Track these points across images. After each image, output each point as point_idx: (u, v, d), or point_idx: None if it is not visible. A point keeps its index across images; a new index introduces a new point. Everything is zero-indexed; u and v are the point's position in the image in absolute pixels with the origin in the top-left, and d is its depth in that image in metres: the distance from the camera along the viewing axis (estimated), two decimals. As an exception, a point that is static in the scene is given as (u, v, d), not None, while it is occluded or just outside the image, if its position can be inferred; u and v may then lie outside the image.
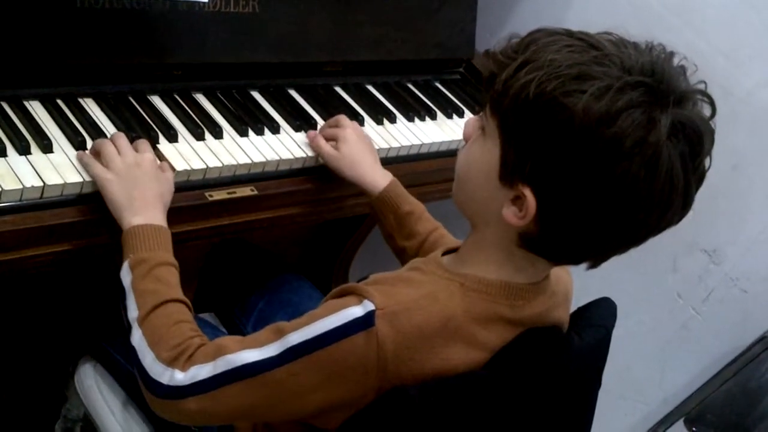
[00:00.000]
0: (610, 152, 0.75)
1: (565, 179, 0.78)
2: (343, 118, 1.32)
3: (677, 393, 1.81)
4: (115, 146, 1.06)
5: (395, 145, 1.43)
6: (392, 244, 1.25)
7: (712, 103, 0.81)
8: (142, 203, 1.01)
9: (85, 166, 1.06)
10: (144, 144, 1.10)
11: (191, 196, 1.14)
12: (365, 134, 1.33)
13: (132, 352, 0.93)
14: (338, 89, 1.51)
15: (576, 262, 0.88)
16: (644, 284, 1.79)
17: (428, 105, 1.59)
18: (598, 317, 0.98)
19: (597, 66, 0.77)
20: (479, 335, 0.86)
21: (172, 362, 0.89)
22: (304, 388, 0.84)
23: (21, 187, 1.00)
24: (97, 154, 1.07)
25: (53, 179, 1.03)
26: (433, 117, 1.57)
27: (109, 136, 1.13)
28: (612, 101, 0.75)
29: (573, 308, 1.01)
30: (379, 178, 1.25)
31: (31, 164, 1.04)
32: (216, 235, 1.20)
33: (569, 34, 0.81)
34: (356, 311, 0.82)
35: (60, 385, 1.32)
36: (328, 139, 1.29)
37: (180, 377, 0.88)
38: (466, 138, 0.91)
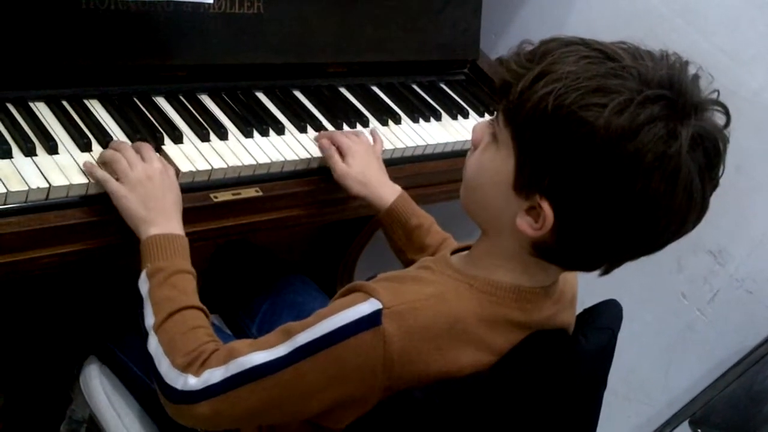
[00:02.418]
0: (631, 167, 0.75)
1: (585, 193, 0.77)
2: (351, 134, 1.32)
3: (682, 394, 1.80)
4: (125, 159, 1.06)
5: (400, 146, 1.43)
6: (402, 258, 1.25)
7: (727, 113, 0.81)
8: (157, 214, 1.02)
9: (98, 181, 1.06)
10: (150, 151, 1.09)
11: (196, 197, 1.14)
12: (374, 145, 1.33)
13: (149, 359, 0.94)
14: (343, 90, 1.51)
15: (590, 269, 0.88)
16: (649, 285, 1.79)
17: (433, 106, 1.59)
18: (604, 319, 0.98)
19: (615, 78, 0.76)
20: (486, 337, 0.86)
21: (186, 368, 0.90)
22: (313, 387, 0.85)
23: (26, 188, 1.00)
24: (104, 163, 1.07)
25: (58, 180, 1.03)
26: (438, 118, 1.57)
27: (114, 137, 1.14)
28: (633, 116, 0.74)
29: (579, 309, 1.01)
30: (387, 194, 1.24)
31: (36, 165, 1.04)
32: (221, 236, 1.20)
33: (585, 44, 0.81)
34: (363, 309, 0.82)
35: (65, 386, 1.33)
36: (336, 147, 1.29)
37: (193, 382, 0.89)
38: (476, 143, 0.90)
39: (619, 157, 0.75)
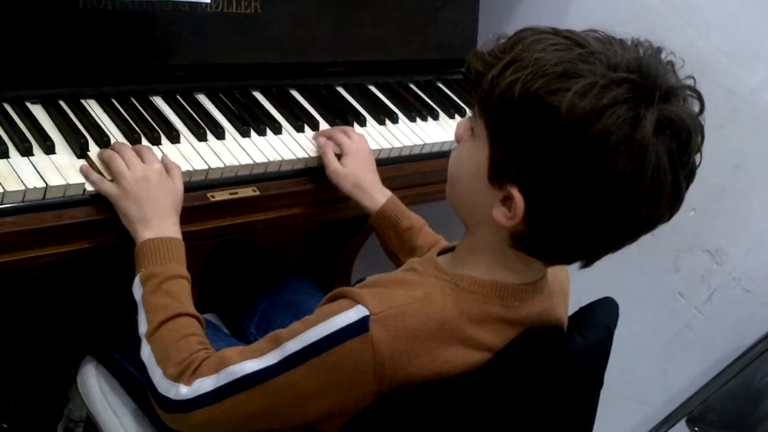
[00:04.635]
0: (596, 150, 0.75)
1: (552, 178, 0.77)
2: (351, 131, 1.33)
3: (680, 393, 1.81)
4: (123, 159, 1.06)
5: (397, 145, 1.43)
6: (395, 261, 1.25)
7: (700, 99, 0.81)
8: (153, 216, 1.02)
9: (92, 183, 1.06)
10: (149, 153, 1.10)
11: (193, 196, 1.14)
12: (368, 150, 1.33)
13: (142, 367, 0.95)
14: (340, 89, 1.51)
15: (568, 261, 0.88)
16: (646, 284, 1.79)
17: (430, 105, 1.59)
18: (601, 317, 0.98)
19: (582, 64, 0.76)
20: (476, 336, 0.86)
21: (178, 377, 0.91)
22: (304, 394, 0.85)
23: (23, 188, 1.00)
24: (103, 162, 1.08)
25: (55, 180, 1.03)
26: (435, 117, 1.57)
27: (111, 136, 1.14)
28: (597, 98, 0.74)
29: (575, 308, 1.01)
30: (378, 196, 1.25)
31: (33, 165, 1.04)
32: (218, 235, 1.20)
33: (555, 32, 0.81)
34: (350, 316, 0.82)
35: (62, 385, 1.33)
36: (334, 142, 1.29)
37: (185, 391, 0.89)
38: (458, 139, 0.91)
39: (583, 140, 0.75)
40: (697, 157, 0.80)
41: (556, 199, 0.78)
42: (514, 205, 0.80)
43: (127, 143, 1.13)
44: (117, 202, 1.04)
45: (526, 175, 0.79)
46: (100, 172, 1.07)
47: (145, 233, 1.01)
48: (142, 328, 0.96)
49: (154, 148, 1.16)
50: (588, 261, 0.87)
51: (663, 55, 0.81)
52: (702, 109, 0.80)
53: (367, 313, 0.82)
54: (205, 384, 0.88)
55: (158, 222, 1.02)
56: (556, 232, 0.81)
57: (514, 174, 0.79)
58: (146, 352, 0.94)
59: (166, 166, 1.10)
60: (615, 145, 0.74)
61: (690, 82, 0.81)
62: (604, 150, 0.75)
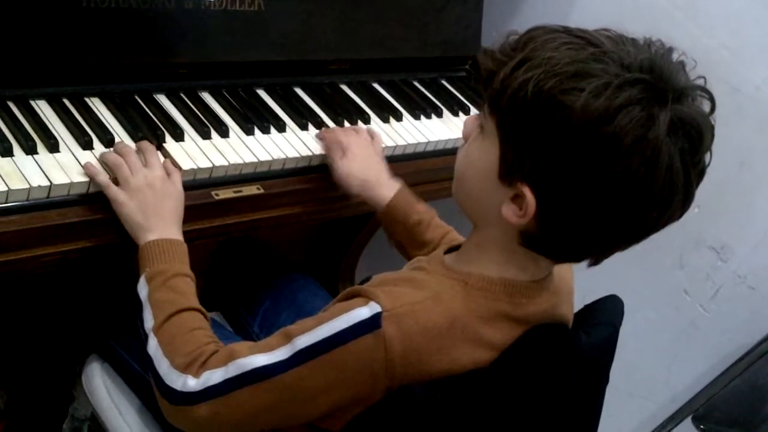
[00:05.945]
0: (610, 150, 0.75)
1: (565, 178, 0.77)
2: (357, 129, 1.32)
3: (685, 390, 1.80)
4: (127, 164, 1.06)
5: (401, 143, 1.43)
6: (404, 253, 1.25)
7: (711, 99, 0.81)
8: (156, 221, 1.03)
9: (98, 185, 1.05)
10: (153, 156, 1.09)
11: (197, 195, 1.14)
12: (373, 141, 1.32)
13: (148, 360, 0.94)
14: (344, 87, 1.51)
15: (578, 259, 0.88)
16: (651, 281, 1.79)
17: (434, 103, 1.59)
18: (606, 315, 0.98)
19: (595, 63, 0.76)
20: (485, 334, 0.86)
21: (186, 369, 0.90)
22: (314, 390, 0.84)
23: (28, 186, 1.00)
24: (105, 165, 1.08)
25: (60, 179, 1.03)
26: (440, 115, 1.56)
27: (115, 135, 1.14)
28: (610, 99, 0.74)
29: (580, 306, 1.01)
30: (386, 192, 1.24)
31: (37, 164, 1.04)
32: (222, 234, 1.20)
33: (567, 31, 0.81)
34: (363, 313, 0.82)
35: (67, 384, 1.33)
36: (334, 144, 1.29)
37: (192, 383, 0.89)
38: (466, 136, 0.91)
39: (597, 140, 0.75)
40: (707, 157, 0.80)
41: (567, 198, 0.78)
42: (525, 203, 0.80)
43: (131, 145, 1.13)
44: (120, 208, 1.04)
45: (538, 174, 0.79)
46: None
47: (148, 235, 1.02)
48: (148, 323, 0.96)
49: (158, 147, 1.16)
50: (596, 259, 0.87)
51: (674, 55, 0.81)
52: (713, 109, 0.80)
53: (380, 309, 0.82)
54: (214, 376, 0.88)
55: (161, 226, 1.03)
56: (567, 231, 0.81)
57: (526, 173, 0.79)
58: (153, 345, 0.94)
59: (167, 169, 1.10)
60: (629, 146, 0.74)
61: (700, 82, 0.81)
62: (617, 150, 0.74)
